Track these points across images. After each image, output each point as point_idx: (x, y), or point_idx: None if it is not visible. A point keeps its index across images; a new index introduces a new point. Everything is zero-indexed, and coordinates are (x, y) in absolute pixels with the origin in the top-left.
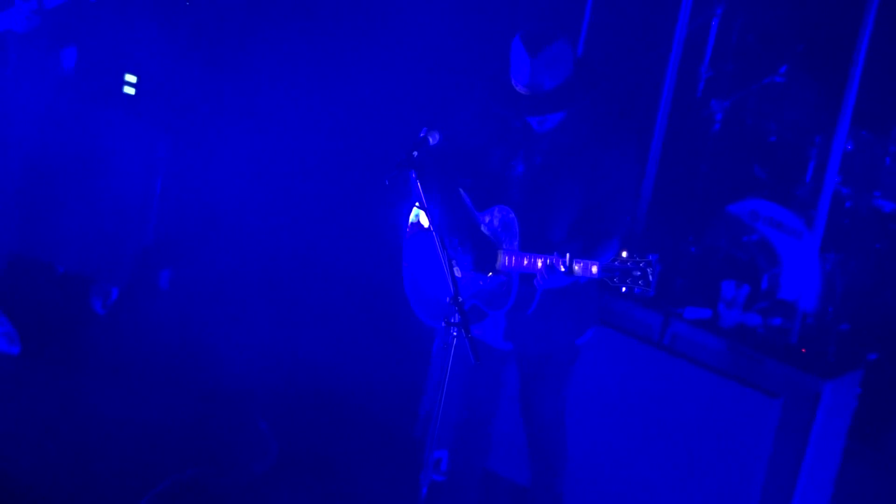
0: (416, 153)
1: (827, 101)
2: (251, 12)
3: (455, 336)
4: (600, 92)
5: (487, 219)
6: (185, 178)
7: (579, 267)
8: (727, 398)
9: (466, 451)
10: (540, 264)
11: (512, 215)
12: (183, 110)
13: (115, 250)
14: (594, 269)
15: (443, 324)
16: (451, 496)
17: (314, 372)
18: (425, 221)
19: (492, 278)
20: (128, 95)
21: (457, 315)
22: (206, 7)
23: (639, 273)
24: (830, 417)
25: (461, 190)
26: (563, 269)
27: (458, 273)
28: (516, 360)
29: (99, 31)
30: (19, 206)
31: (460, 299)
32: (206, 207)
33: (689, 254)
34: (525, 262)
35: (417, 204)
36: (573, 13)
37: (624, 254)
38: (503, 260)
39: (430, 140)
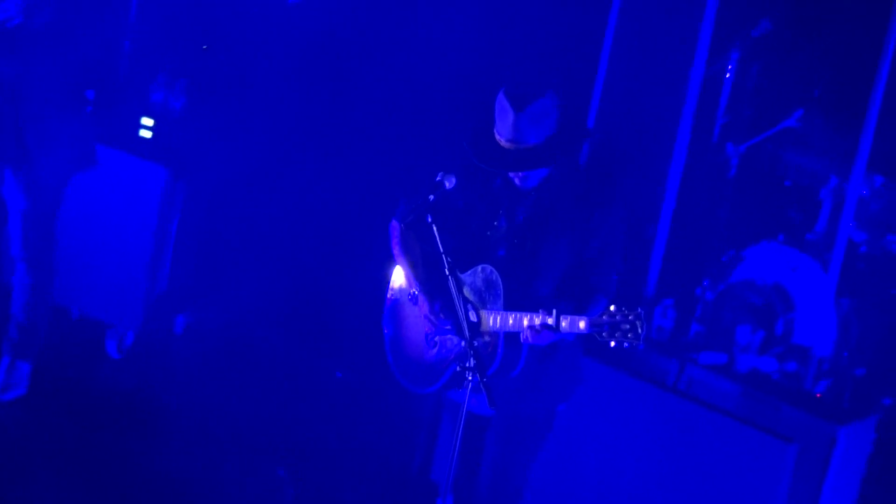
0: (432, 197)
1: (842, 146)
2: (265, 54)
3: (470, 381)
4: (584, 148)
5: (470, 279)
6: (201, 222)
7: (567, 322)
8: (742, 443)
9: None
10: (526, 322)
11: (495, 275)
12: (199, 155)
13: (130, 294)
14: (582, 325)
15: (456, 368)
16: None
17: (328, 418)
18: (401, 280)
19: (478, 338)
20: (144, 139)
21: (472, 359)
22: (221, 50)
23: (628, 326)
24: (846, 463)
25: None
26: (550, 323)
27: (472, 317)
28: (493, 426)
29: (116, 73)
30: None
31: (475, 343)
32: (222, 252)
33: (704, 298)
34: (510, 322)
35: (399, 257)
36: (589, 57)
37: (612, 307)
38: (488, 321)
39: (447, 184)
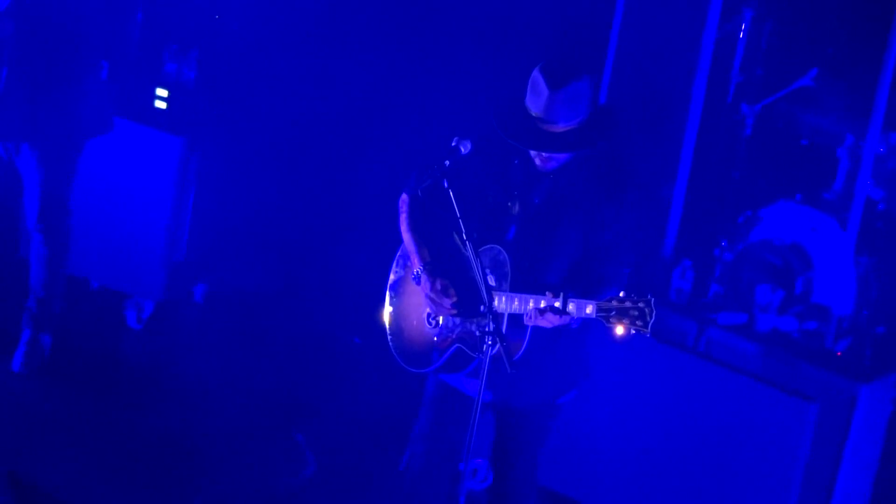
0: (447, 162)
1: (858, 104)
2: (278, 23)
3: (489, 345)
4: (611, 140)
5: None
6: (218, 191)
7: (574, 306)
8: (763, 403)
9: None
10: (531, 304)
11: (504, 255)
12: (215, 124)
13: (148, 264)
14: (589, 309)
15: (475, 332)
16: None
17: (347, 384)
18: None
19: (479, 320)
20: (159, 109)
21: (490, 324)
22: (237, 19)
23: (636, 313)
24: (867, 421)
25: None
26: (557, 306)
27: (491, 282)
28: (494, 411)
29: (129, 43)
30: None
31: (493, 307)
32: (240, 221)
33: (722, 259)
34: (516, 304)
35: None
36: (601, 18)
37: (621, 294)
38: (493, 301)
39: (462, 149)
